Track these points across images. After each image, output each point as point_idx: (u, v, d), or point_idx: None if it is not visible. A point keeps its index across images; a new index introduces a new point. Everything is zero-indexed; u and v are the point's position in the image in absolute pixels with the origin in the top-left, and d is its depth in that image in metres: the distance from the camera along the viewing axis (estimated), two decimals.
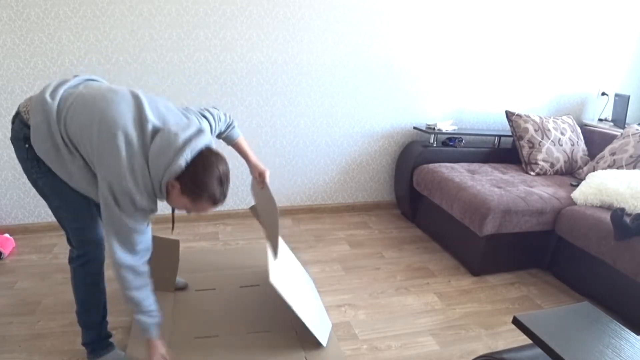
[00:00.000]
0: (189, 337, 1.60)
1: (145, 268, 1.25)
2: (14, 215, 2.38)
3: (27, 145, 1.20)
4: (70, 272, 1.38)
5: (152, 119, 1.16)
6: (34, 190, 2.34)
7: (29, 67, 2.12)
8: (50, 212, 2.47)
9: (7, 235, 2.22)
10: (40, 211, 2.40)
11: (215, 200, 1.18)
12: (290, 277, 1.68)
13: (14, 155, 2.22)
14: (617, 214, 1.81)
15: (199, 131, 1.18)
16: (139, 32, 2.19)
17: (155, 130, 1.15)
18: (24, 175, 2.27)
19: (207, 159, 1.15)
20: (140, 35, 2.20)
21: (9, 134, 2.18)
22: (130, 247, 1.19)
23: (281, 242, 1.85)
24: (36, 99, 1.17)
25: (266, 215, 1.74)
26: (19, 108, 1.22)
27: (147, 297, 1.27)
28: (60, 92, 1.17)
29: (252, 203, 2.73)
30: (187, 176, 1.13)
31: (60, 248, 2.24)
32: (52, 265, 2.07)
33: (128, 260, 1.19)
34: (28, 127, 1.18)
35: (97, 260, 1.36)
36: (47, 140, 1.15)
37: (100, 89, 1.20)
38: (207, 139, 1.19)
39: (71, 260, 1.36)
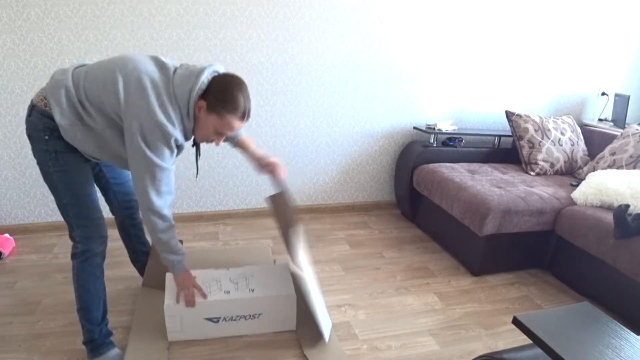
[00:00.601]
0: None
1: (168, 212, 1.33)
2: (14, 215, 2.38)
3: (46, 137, 1.24)
4: (72, 268, 1.40)
5: (171, 62, 1.27)
6: (34, 190, 2.35)
7: (29, 67, 2.12)
8: (50, 212, 2.47)
9: (7, 235, 2.22)
10: (40, 211, 2.40)
11: (242, 113, 1.25)
12: (308, 268, 1.68)
13: (14, 155, 2.24)
14: (621, 209, 1.81)
15: (213, 64, 1.29)
16: (139, 32, 2.19)
17: (174, 66, 1.26)
18: (24, 175, 2.29)
19: (228, 76, 1.25)
20: (140, 35, 2.20)
21: (9, 134, 2.20)
22: (157, 187, 1.25)
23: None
24: (49, 83, 1.24)
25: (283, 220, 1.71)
26: (33, 101, 1.26)
27: (172, 238, 1.38)
28: (70, 72, 1.24)
29: (252, 204, 2.75)
30: (211, 92, 1.22)
31: (60, 248, 2.24)
32: (52, 265, 2.07)
33: (155, 204, 1.27)
34: (47, 116, 1.22)
35: (98, 256, 1.41)
36: (70, 114, 1.21)
37: (109, 58, 1.27)
38: (221, 67, 1.30)
39: (74, 256, 1.39)
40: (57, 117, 1.20)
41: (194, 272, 1.61)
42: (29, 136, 1.28)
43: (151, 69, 1.21)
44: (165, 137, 1.19)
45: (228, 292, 1.57)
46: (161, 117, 1.17)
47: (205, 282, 1.59)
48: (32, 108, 1.26)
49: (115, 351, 1.47)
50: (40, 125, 1.24)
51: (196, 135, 1.32)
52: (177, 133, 1.22)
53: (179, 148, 1.29)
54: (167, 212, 1.32)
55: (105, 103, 1.19)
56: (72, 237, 1.39)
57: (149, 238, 1.75)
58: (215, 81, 1.24)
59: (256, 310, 1.59)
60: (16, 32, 2.05)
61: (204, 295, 1.51)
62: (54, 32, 2.09)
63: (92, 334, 1.44)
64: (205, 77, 1.22)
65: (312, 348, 1.56)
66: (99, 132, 1.24)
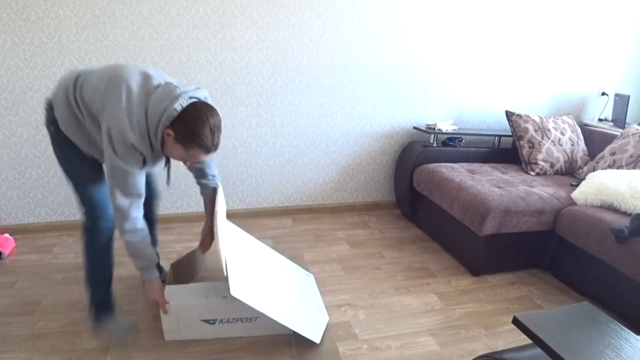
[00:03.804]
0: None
1: (135, 213, 1.36)
2: (14, 215, 2.38)
3: (53, 129, 1.37)
4: (82, 239, 1.51)
5: (157, 79, 1.31)
6: (34, 190, 2.36)
7: (29, 67, 2.12)
8: (50, 212, 2.48)
9: (7, 235, 2.22)
10: (40, 211, 2.40)
11: (207, 148, 1.28)
12: (262, 279, 1.64)
13: (14, 155, 2.24)
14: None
15: (197, 88, 1.34)
16: (139, 32, 2.19)
17: (159, 85, 1.29)
18: (24, 175, 2.30)
19: (200, 108, 1.26)
20: (140, 35, 2.20)
21: (9, 134, 2.20)
22: (123, 187, 1.30)
23: (250, 237, 1.88)
24: (59, 81, 1.37)
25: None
26: (48, 96, 1.41)
27: (137, 240, 1.39)
28: (76, 72, 1.34)
29: (252, 204, 2.75)
30: (180, 123, 1.24)
31: (60, 248, 2.24)
32: (52, 265, 2.07)
33: (120, 202, 1.32)
34: (52, 110, 1.35)
35: (106, 232, 1.50)
36: (66, 109, 1.32)
37: (111, 64, 1.37)
38: (203, 95, 1.34)
39: (83, 229, 1.50)
40: (55, 111, 1.34)
41: (192, 284, 1.64)
42: (46, 127, 1.41)
43: (134, 80, 1.26)
44: (126, 144, 1.23)
45: (225, 297, 1.57)
46: (125, 124, 1.21)
47: (203, 290, 1.61)
48: (47, 103, 1.39)
49: (118, 322, 1.60)
50: (50, 119, 1.37)
51: (165, 153, 1.36)
52: (137, 142, 1.25)
53: (143, 155, 1.30)
54: (134, 213, 1.35)
55: (93, 105, 1.28)
56: (83, 213, 1.49)
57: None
58: (186, 112, 1.24)
59: (253, 314, 1.59)
60: (16, 32, 2.05)
61: (165, 311, 1.51)
62: (54, 32, 2.09)
63: (97, 300, 1.56)
64: (178, 105, 1.23)
65: (306, 349, 1.54)
66: (88, 128, 1.34)
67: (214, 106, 1.31)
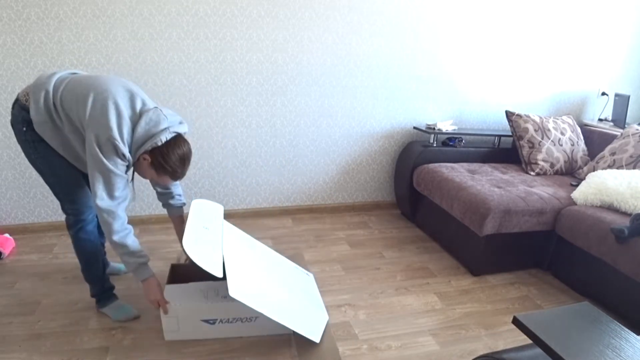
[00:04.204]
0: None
1: (123, 214, 1.42)
2: (14, 215, 2.38)
3: (24, 129, 1.39)
4: (70, 237, 1.57)
5: (142, 97, 1.40)
6: (34, 190, 2.36)
7: (29, 67, 2.12)
8: (50, 212, 2.48)
9: (7, 235, 2.22)
10: (40, 211, 2.40)
11: (176, 178, 1.47)
12: (261, 279, 1.63)
13: (14, 155, 2.24)
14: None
15: (181, 122, 1.47)
16: (139, 32, 2.19)
17: (144, 104, 1.38)
18: (24, 175, 2.30)
19: (178, 144, 1.41)
20: (140, 35, 2.20)
21: (9, 134, 2.20)
22: (110, 190, 1.35)
23: (248, 237, 1.87)
24: (34, 83, 1.37)
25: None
26: (17, 96, 1.42)
27: (129, 239, 1.44)
28: (54, 78, 1.38)
29: (252, 204, 2.75)
30: (159, 153, 1.38)
31: (60, 248, 2.24)
32: (52, 265, 2.07)
33: (108, 204, 1.36)
34: (25, 110, 1.37)
35: (90, 223, 1.58)
36: (44, 113, 1.35)
37: (91, 75, 1.43)
38: (184, 130, 1.46)
39: (68, 227, 1.56)
40: (32, 113, 1.35)
41: (192, 284, 1.64)
42: (12, 126, 1.43)
43: (121, 98, 1.34)
44: (117, 151, 1.32)
45: (225, 297, 1.58)
46: (115, 134, 1.30)
47: (203, 290, 1.62)
48: (16, 102, 1.41)
49: (118, 302, 1.70)
50: (20, 118, 1.38)
51: (136, 171, 1.49)
52: (126, 151, 1.35)
53: (129, 164, 1.40)
54: (121, 213, 1.41)
55: (74, 112, 1.33)
56: (64, 210, 1.55)
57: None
58: (166, 145, 1.38)
59: (253, 314, 1.59)
60: (16, 32, 2.05)
61: (165, 310, 1.52)
62: (54, 32, 2.09)
63: (97, 289, 1.67)
64: (164, 137, 1.36)
65: (306, 349, 1.54)
66: (64, 133, 1.39)
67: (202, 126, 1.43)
